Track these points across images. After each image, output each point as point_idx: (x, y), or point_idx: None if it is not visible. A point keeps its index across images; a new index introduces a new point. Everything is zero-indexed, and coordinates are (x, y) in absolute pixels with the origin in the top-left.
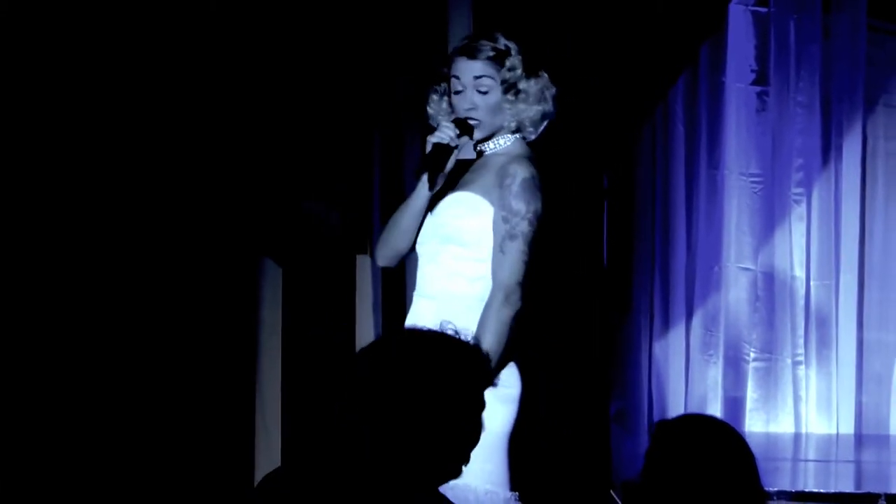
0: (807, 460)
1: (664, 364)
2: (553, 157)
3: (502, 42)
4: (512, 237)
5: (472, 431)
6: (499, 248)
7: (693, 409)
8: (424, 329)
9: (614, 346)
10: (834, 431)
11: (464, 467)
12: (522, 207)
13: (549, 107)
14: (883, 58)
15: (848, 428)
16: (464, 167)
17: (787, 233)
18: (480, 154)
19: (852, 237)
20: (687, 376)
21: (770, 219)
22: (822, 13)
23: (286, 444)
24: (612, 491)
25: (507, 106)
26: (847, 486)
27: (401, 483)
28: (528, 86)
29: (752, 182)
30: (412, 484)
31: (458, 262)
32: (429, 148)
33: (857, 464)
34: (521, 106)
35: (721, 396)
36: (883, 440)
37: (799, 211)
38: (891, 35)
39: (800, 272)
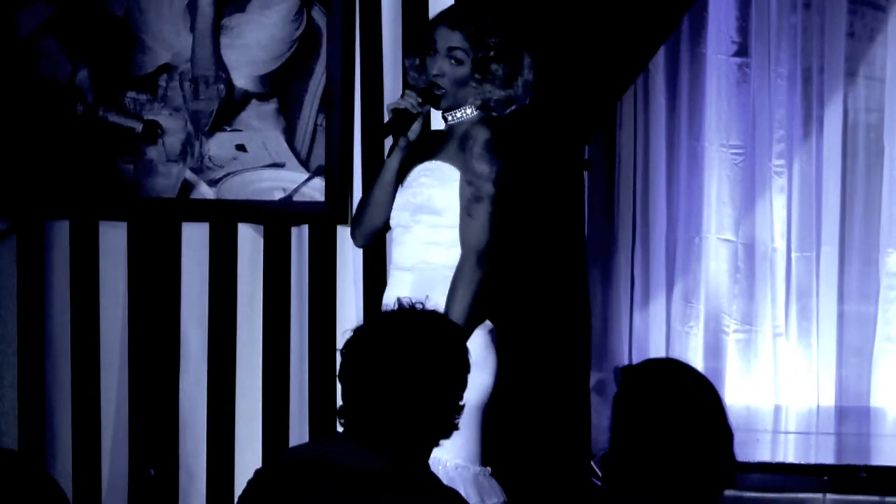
0: (787, 432)
1: (644, 335)
2: (534, 128)
3: (485, 19)
4: (478, 199)
5: (458, 405)
6: (466, 212)
7: None
8: (404, 306)
9: (595, 317)
10: (814, 404)
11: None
12: (486, 169)
13: (517, 93)
14: (864, 29)
15: (828, 400)
16: (436, 139)
17: (768, 204)
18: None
19: (833, 209)
20: (667, 348)
21: (751, 190)
22: None
23: (267, 415)
24: (591, 461)
25: (474, 84)
26: (828, 458)
27: (393, 457)
28: (499, 69)
29: (733, 153)
30: (405, 458)
31: (434, 231)
32: (388, 114)
33: (838, 436)
34: (487, 87)
35: (701, 368)
36: (863, 412)
37: (780, 183)
38: (871, 6)
39: (780, 244)
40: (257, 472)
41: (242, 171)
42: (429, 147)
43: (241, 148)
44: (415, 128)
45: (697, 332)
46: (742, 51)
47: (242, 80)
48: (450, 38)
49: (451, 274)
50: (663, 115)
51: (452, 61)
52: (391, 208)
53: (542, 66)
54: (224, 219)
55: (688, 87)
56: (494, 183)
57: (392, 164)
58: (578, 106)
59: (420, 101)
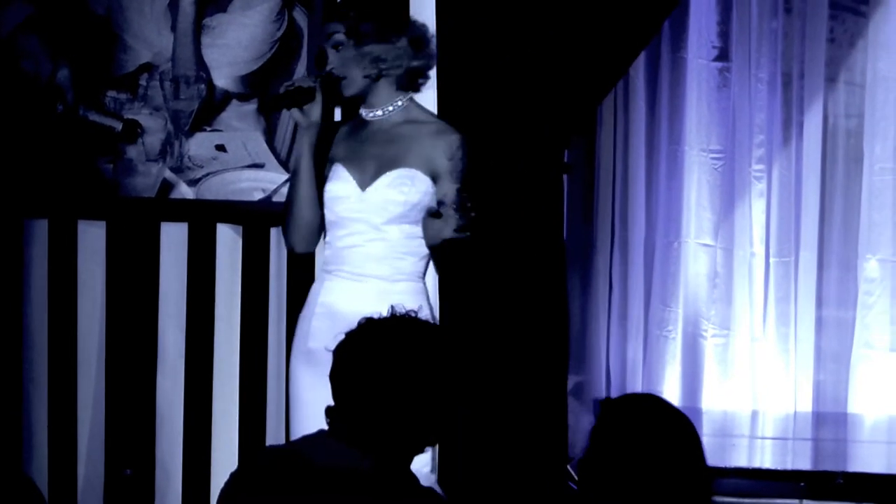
0: (764, 438)
1: (622, 339)
2: (513, 131)
3: (352, 4)
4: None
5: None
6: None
7: (650, 384)
8: (399, 316)
9: (573, 321)
10: (792, 409)
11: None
12: (462, 168)
13: (409, 52)
14: (844, 35)
15: (806, 406)
16: (391, 142)
17: (747, 209)
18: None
19: (812, 215)
20: (645, 352)
21: (730, 195)
22: None
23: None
24: (568, 465)
25: (360, 55)
26: (805, 464)
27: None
28: (374, 28)
29: (713, 158)
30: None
31: (410, 240)
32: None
33: (815, 442)
34: (372, 50)
35: (679, 372)
36: (841, 418)
37: (759, 188)
38: (852, 12)
39: (759, 249)
40: (237, 469)
41: (222, 172)
42: (387, 152)
43: (220, 148)
44: (314, 111)
45: (675, 336)
46: (722, 55)
47: (223, 80)
48: (329, 28)
49: (416, 286)
50: (643, 119)
51: (336, 48)
52: (319, 202)
53: (522, 71)
54: (203, 219)
55: (668, 92)
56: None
57: (302, 150)
58: (558, 110)
59: (315, 80)
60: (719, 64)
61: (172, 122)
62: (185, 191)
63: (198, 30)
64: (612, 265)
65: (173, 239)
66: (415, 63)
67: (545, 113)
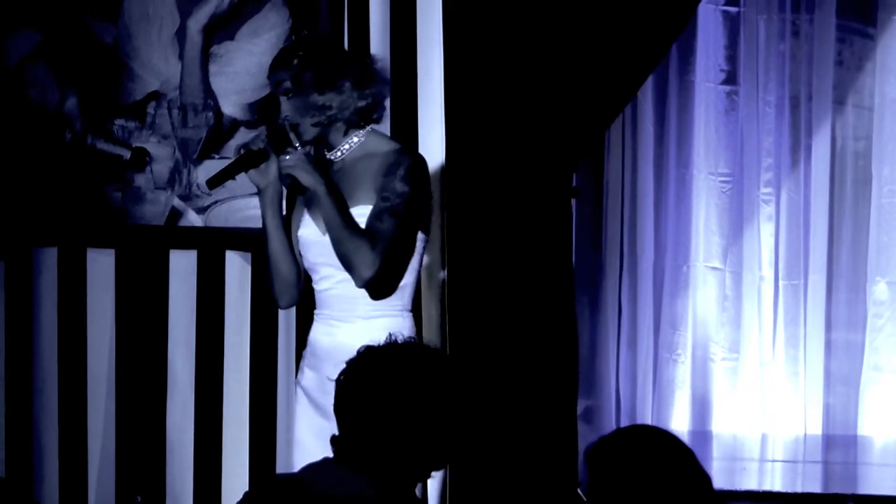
0: (774, 461)
1: (632, 363)
2: (522, 155)
3: (295, 51)
4: (392, 212)
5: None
6: (375, 218)
7: (660, 407)
8: (398, 342)
9: (582, 345)
10: (801, 432)
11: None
12: (406, 190)
13: (359, 92)
14: (852, 58)
15: (815, 428)
16: (349, 180)
17: (756, 232)
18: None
19: (821, 237)
20: (654, 375)
21: (738, 218)
22: (791, 13)
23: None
24: (578, 489)
25: (311, 101)
26: (814, 486)
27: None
28: (322, 77)
29: (721, 181)
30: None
31: None
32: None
33: (825, 464)
34: (319, 98)
35: (689, 396)
36: (850, 441)
37: (767, 211)
38: (860, 35)
39: (768, 272)
40: (246, 495)
41: (230, 199)
42: (344, 192)
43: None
44: (270, 170)
45: (685, 359)
46: (730, 79)
47: (231, 107)
48: (276, 77)
49: (396, 321)
50: (651, 143)
51: (286, 96)
52: (294, 256)
53: (530, 95)
54: (212, 246)
55: (676, 115)
56: (408, 203)
57: (265, 209)
58: (567, 134)
59: (266, 139)
60: (727, 87)
61: (181, 150)
62: (193, 218)
63: (205, 58)
64: (621, 289)
65: (182, 266)
66: (361, 103)
67: (553, 137)
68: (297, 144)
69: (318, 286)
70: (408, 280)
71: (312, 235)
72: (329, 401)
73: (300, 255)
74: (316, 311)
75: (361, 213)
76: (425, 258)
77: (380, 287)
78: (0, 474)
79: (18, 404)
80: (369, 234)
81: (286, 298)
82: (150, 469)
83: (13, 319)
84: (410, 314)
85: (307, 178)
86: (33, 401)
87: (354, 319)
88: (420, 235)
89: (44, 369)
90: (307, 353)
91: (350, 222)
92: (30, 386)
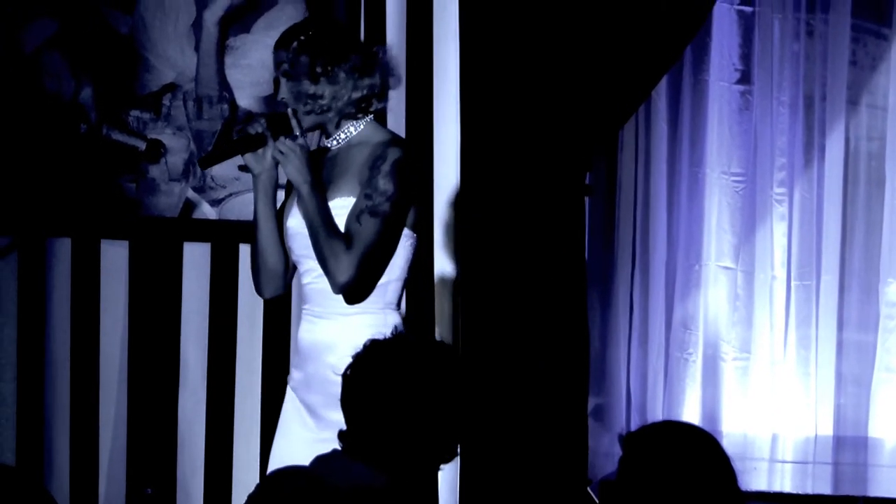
0: (784, 461)
1: (643, 361)
2: (535, 154)
3: (298, 32)
4: (373, 213)
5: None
6: (355, 219)
7: (671, 406)
8: (403, 335)
9: (593, 343)
10: (812, 433)
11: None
12: (390, 188)
13: (337, 86)
14: (866, 58)
15: (826, 429)
16: (337, 168)
17: (769, 232)
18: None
19: (834, 238)
20: (665, 374)
21: (751, 218)
22: (806, 12)
23: (265, 435)
24: (588, 488)
25: (314, 87)
26: (825, 488)
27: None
28: (322, 62)
29: (734, 181)
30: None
31: None
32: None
33: (836, 466)
34: (307, 87)
35: (699, 395)
36: (861, 442)
37: (780, 210)
38: (874, 35)
39: (780, 272)
40: (258, 487)
41: (245, 192)
42: (331, 182)
43: (243, 168)
44: (267, 156)
45: (696, 359)
46: (744, 78)
47: (246, 100)
48: (277, 57)
49: (382, 317)
50: (665, 142)
51: (286, 78)
52: (283, 246)
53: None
54: (226, 239)
55: (689, 114)
56: (392, 204)
57: (257, 196)
58: (581, 133)
59: (265, 124)
60: (741, 87)
61: (195, 142)
62: (207, 211)
63: (221, 50)
64: (633, 287)
65: (196, 259)
66: (356, 94)
67: (568, 135)
68: (298, 132)
69: (303, 280)
70: (389, 277)
71: (298, 227)
72: (313, 398)
73: (289, 246)
74: (302, 306)
75: (343, 206)
76: (437, 256)
77: (356, 291)
78: (11, 464)
79: (30, 395)
80: (347, 237)
81: (270, 288)
82: (161, 461)
83: (26, 310)
84: (395, 311)
85: (293, 172)
86: (45, 391)
87: (334, 316)
88: (407, 232)
89: (56, 360)
90: (293, 351)
91: (329, 225)
92: (42, 376)
